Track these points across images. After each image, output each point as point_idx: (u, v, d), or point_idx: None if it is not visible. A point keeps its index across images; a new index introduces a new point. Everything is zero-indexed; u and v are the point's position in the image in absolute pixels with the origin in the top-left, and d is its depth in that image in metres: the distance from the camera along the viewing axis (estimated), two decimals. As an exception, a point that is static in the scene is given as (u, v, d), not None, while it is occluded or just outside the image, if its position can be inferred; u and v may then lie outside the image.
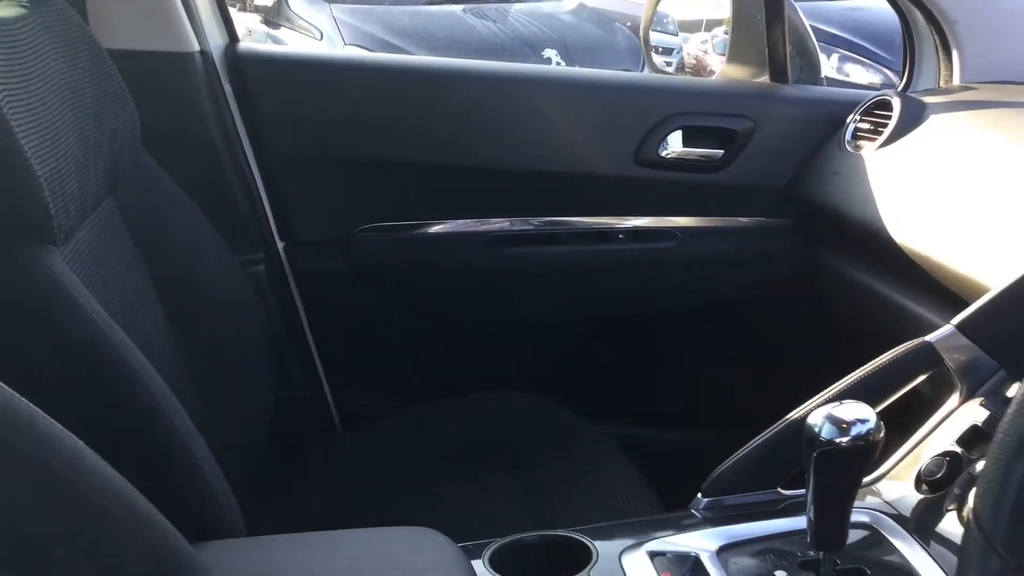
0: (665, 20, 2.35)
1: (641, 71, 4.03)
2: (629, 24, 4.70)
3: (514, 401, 1.46)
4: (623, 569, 0.84)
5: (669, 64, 2.28)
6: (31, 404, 0.52)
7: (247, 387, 1.31)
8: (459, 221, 1.54)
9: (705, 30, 2.30)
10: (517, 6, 4.78)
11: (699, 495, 0.94)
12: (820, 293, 1.54)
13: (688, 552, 0.85)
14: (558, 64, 4.25)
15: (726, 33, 1.84)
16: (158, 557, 0.56)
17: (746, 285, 1.60)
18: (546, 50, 4.28)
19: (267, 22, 4.50)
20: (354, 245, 1.53)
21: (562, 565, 0.85)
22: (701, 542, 0.87)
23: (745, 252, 1.59)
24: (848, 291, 1.45)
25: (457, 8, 4.67)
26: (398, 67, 1.60)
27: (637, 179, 1.53)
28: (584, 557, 0.85)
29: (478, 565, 0.83)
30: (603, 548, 0.86)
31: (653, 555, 0.85)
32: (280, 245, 1.50)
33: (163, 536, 0.57)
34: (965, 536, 0.57)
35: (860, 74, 4.02)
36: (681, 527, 0.90)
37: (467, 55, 3.84)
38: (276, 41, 4.38)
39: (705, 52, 2.25)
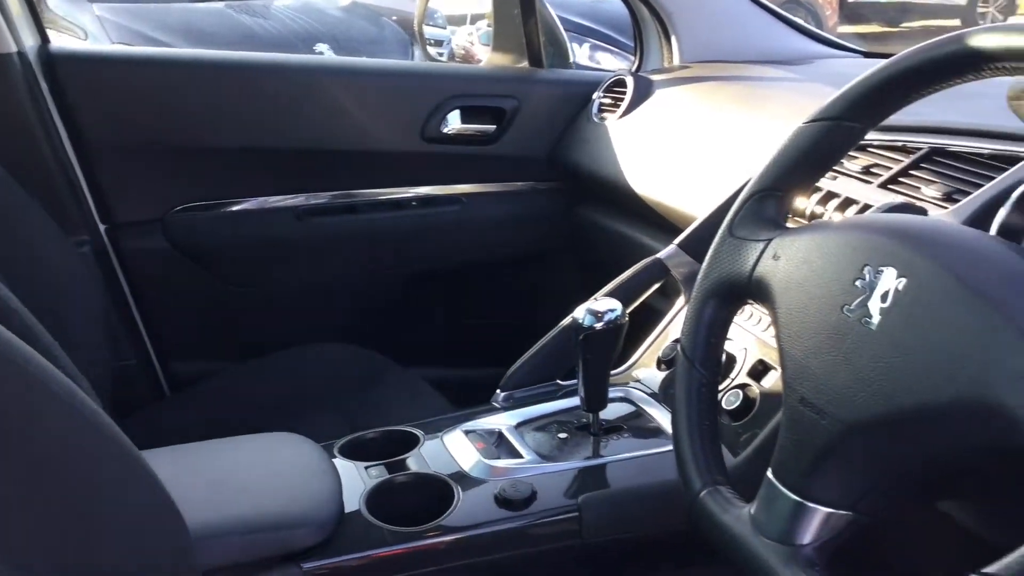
0: (435, 15, 2.57)
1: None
2: (395, 18, 4.88)
3: (331, 351, 1.63)
4: (445, 445, 1.07)
5: (441, 55, 2.51)
6: None
7: (82, 357, 1.43)
8: (269, 197, 1.71)
9: (470, 23, 2.56)
10: (283, 2, 4.85)
11: (497, 391, 1.18)
12: (580, 241, 1.84)
13: (493, 428, 1.10)
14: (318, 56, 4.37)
15: (489, 26, 2.10)
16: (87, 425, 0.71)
17: (521, 240, 1.86)
18: (318, 44, 4.39)
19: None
20: (171, 224, 1.67)
21: (396, 451, 1.07)
22: (503, 421, 1.11)
23: (519, 212, 1.85)
24: (602, 236, 1.75)
25: (220, 4, 4.70)
26: (202, 61, 1.74)
27: (424, 153, 1.74)
28: (414, 442, 1.08)
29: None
30: (429, 435, 1.09)
31: (467, 432, 1.08)
32: (102, 228, 1.62)
33: (95, 413, 0.71)
34: (676, 360, 0.85)
35: (609, 61, 4.36)
36: (486, 414, 1.14)
37: (238, 50, 3.90)
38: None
39: (471, 43, 2.51)
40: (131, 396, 1.62)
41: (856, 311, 0.67)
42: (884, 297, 0.66)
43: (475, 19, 2.50)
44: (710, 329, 0.82)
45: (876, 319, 0.66)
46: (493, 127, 1.78)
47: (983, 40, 0.65)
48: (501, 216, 1.84)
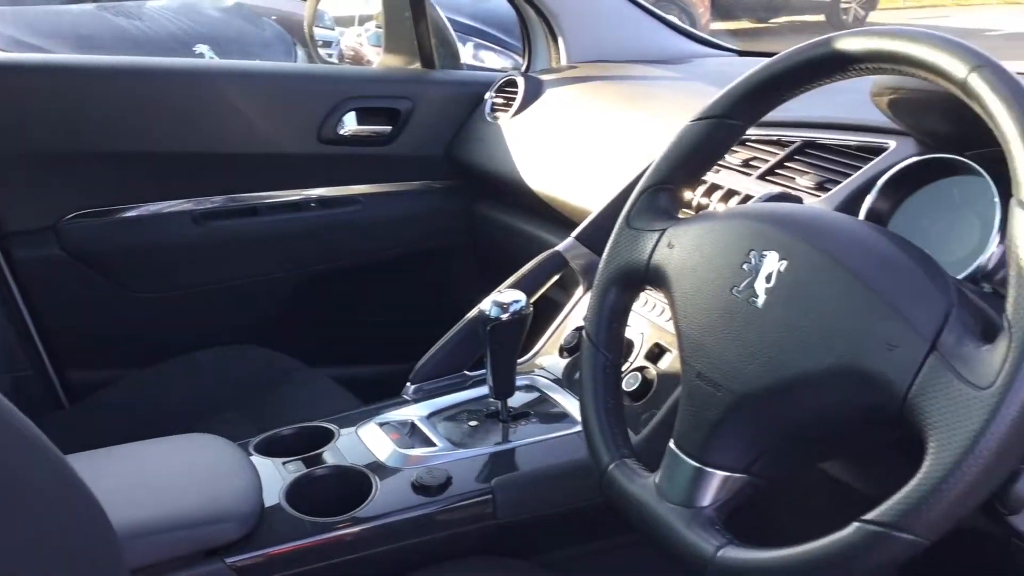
0: (323, 16, 2.58)
1: (294, 62, 4.21)
2: (275, 18, 4.81)
3: (234, 353, 1.62)
4: (360, 438, 1.10)
5: (331, 56, 2.53)
6: None
7: None
8: (166, 202, 1.69)
9: (359, 24, 2.58)
10: (158, 2, 4.73)
11: (408, 383, 1.22)
12: (479, 237, 1.89)
13: (406, 420, 1.13)
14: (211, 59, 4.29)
15: (378, 27, 2.12)
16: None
17: (421, 237, 1.90)
18: (198, 45, 4.29)
19: None
20: (65, 232, 1.64)
21: (312, 447, 1.10)
22: (415, 412, 1.14)
23: (417, 211, 1.89)
24: (500, 232, 1.80)
25: (91, 6, 4.55)
26: (89, 66, 1.71)
27: (322, 155, 1.76)
28: (329, 436, 1.11)
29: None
30: (343, 429, 1.12)
31: (381, 424, 1.12)
32: None
33: (15, 416, 0.71)
34: (581, 345, 0.90)
35: (493, 60, 4.42)
36: (398, 406, 1.18)
37: (116, 53, 3.79)
38: None
39: (360, 44, 2.53)
40: (28, 407, 1.59)
41: (744, 292, 0.74)
42: (768, 278, 0.73)
43: (363, 20, 2.52)
44: (612, 315, 0.88)
45: (762, 298, 0.73)
46: (389, 128, 1.81)
47: (849, 44, 0.72)
48: (400, 215, 1.87)
